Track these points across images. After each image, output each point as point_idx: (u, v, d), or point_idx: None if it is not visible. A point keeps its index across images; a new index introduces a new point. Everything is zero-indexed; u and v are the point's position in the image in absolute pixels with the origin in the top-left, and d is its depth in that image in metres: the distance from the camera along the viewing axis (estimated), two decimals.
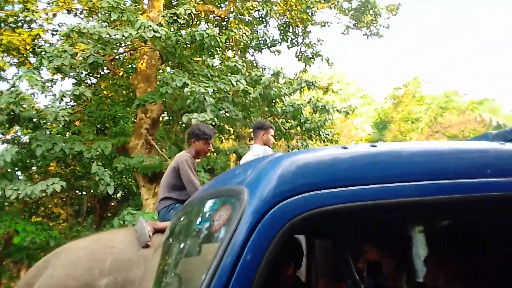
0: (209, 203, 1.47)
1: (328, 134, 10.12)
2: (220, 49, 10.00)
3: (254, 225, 1.09)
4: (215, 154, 9.95)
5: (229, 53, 11.79)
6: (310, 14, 11.59)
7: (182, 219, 1.77)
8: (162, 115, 10.26)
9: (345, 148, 1.31)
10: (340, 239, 2.53)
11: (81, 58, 7.62)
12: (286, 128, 9.99)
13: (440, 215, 1.60)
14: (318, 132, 9.92)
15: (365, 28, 11.50)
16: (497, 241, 1.64)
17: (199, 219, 1.55)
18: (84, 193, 12.12)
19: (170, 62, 9.45)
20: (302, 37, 11.97)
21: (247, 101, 9.05)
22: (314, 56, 12.00)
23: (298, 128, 10.13)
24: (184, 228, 1.67)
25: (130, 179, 11.24)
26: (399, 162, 1.29)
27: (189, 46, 8.48)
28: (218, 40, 7.64)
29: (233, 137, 11.16)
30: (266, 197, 1.15)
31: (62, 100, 7.57)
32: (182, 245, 1.60)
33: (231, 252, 1.08)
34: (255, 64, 12.20)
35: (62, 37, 8.22)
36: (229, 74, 8.41)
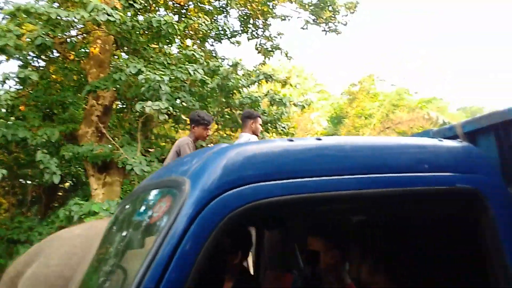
0: (151, 194, 1.43)
1: (284, 127, 10.21)
2: (179, 37, 9.77)
3: (194, 215, 1.07)
4: (170, 144, 9.77)
5: (188, 42, 11.56)
6: (270, 7, 11.59)
7: (125, 208, 1.72)
8: (116, 102, 9.90)
9: (291, 140, 1.31)
10: (287, 230, 2.56)
11: (28, 40, 7.16)
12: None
13: (379, 208, 1.65)
14: (274, 125, 9.99)
15: (324, 24, 11.68)
16: (434, 232, 1.73)
17: (139, 210, 1.51)
18: (29, 182, 11.50)
19: (125, 48, 9.12)
20: (262, 30, 11.96)
21: (204, 91, 8.94)
22: (274, 49, 12.04)
23: None
24: (125, 218, 1.62)
25: (79, 168, 10.79)
26: (342, 155, 1.31)
27: (145, 32, 8.22)
28: (176, 27, 7.45)
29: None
30: (208, 188, 1.13)
31: (5, 83, 7.09)
32: (121, 235, 1.56)
33: (169, 243, 1.06)
34: (214, 55, 12.06)
35: (7, 16, 7.68)
36: (187, 63, 8.25)
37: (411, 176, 1.39)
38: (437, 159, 1.46)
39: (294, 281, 2.55)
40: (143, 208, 1.46)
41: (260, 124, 5.01)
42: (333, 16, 11.39)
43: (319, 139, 1.35)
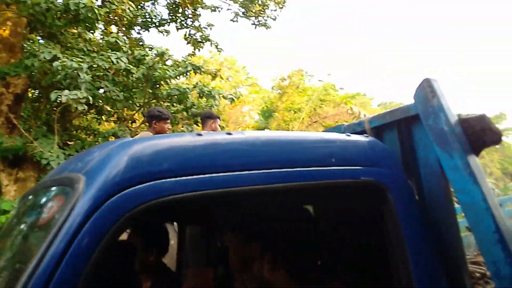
0: (45, 192, 1.31)
1: None
2: (102, 23, 9.20)
3: (86, 216, 1.00)
4: (92, 136, 9.23)
5: (114, 29, 10.96)
6: None
7: (23, 206, 1.57)
8: (30, 91, 9.10)
9: (199, 135, 1.27)
10: (205, 225, 2.53)
11: None
12: (172, 112, 9.72)
13: (289, 202, 1.68)
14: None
15: (254, 17, 11.74)
16: (342, 224, 1.80)
17: (32, 209, 1.37)
18: None
19: (40, 32, 8.38)
20: (191, 20, 11.70)
21: (129, 82, 8.54)
22: (204, 40, 11.85)
23: (184, 113, 9.95)
24: (20, 217, 1.48)
25: None
26: (250, 150, 1.30)
27: (63, 15, 7.62)
28: (97, 12, 6.99)
29: (113, 118, 10.46)
30: (104, 186, 1.05)
31: None
32: (15, 235, 1.41)
33: (58, 245, 0.97)
34: (141, 43, 11.57)
35: None
36: (109, 50, 7.80)
37: (319, 170, 1.43)
38: (344, 153, 1.51)
39: (215, 276, 2.53)
40: (35, 207, 1.33)
41: (219, 125, 5.26)
42: (263, 10, 11.48)
43: (229, 134, 1.32)
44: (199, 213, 2.23)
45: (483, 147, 1.56)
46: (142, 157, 1.13)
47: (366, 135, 1.73)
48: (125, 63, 7.39)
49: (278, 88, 26.77)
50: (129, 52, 8.13)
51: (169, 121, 4.72)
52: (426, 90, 1.61)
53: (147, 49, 10.08)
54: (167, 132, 4.97)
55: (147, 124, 9.97)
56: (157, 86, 8.72)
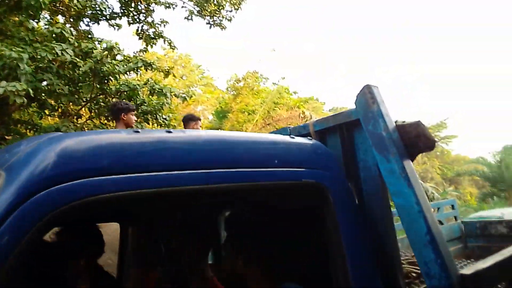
0: None
1: (166, 119, 9.92)
2: (48, 12, 8.70)
3: (3, 216, 0.91)
4: (32, 131, 8.70)
5: (61, 19, 10.40)
6: None
7: None
8: None
9: (136, 132, 1.22)
10: (149, 226, 2.45)
11: None
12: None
13: (230, 202, 1.67)
14: (155, 115, 9.63)
15: (209, 17, 11.64)
16: (284, 225, 1.81)
17: None
18: None
19: None
20: (144, 15, 11.39)
21: (75, 75, 8.14)
22: (157, 37, 11.56)
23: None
24: None
25: None
26: (191, 149, 1.27)
27: (3, 1, 7.12)
28: (41, 0, 6.60)
29: (57, 113, 9.93)
30: (27, 182, 0.97)
31: None
32: None
33: None
34: (90, 36, 11.08)
35: None
36: (54, 42, 7.40)
37: (262, 171, 1.42)
38: (287, 155, 1.52)
39: (159, 278, 2.46)
40: None
41: (200, 126, 5.76)
42: (218, 10, 11.42)
43: (169, 132, 1.28)
44: (139, 213, 2.16)
45: (418, 153, 1.64)
46: (73, 153, 1.06)
47: (310, 137, 1.76)
48: (71, 55, 7.03)
49: (233, 89, 26.77)
50: (76, 44, 7.75)
51: (134, 112, 4.88)
52: (367, 96, 1.67)
53: (96, 42, 9.69)
54: (134, 124, 5.07)
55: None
56: (105, 81, 8.38)
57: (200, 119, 5.89)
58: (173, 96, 9.42)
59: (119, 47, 8.28)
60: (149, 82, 8.89)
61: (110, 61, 7.97)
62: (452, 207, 6.81)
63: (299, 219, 1.72)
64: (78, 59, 7.45)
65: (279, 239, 1.78)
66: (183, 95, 9.22)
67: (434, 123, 32.62)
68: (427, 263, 1.43)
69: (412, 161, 1.63)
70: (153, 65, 8.62)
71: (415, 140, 1.63)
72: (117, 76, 8.47)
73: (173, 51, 12.82)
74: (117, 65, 8.26)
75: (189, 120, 5.87)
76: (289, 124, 22.22)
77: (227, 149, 1.36)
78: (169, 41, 11.59)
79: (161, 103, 9.40)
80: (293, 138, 1.65)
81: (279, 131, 2.08)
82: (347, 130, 1.82)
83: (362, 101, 1.68)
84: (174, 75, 12.00)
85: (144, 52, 12.09)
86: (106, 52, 7.58)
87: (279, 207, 1.81)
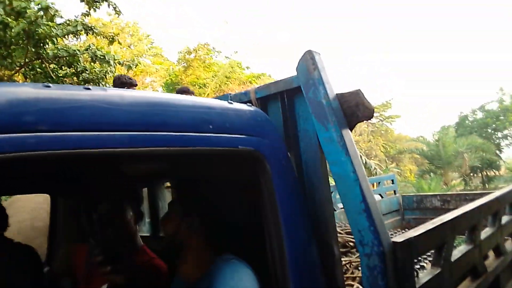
0: None
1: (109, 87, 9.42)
2: None
3: None
4: None
5: None
6: None
7: None
8: None
9: (47, 86, 1.07)
10: (76, 195, 2.29)
11: None
12: (60, 75, 8.80)
13: (157, 167, 1.57)
14: (97, 84, 9.11)
15: None
16: (220, 192, 1.74)
17: None
18: None
19: None
20: None
21: (7, 37, 7.44)
22: (100, 0, 10.81)
23: (75, 78, 9.07)
24: None
25: None
26: (112, 109, 1.14)
27: None
28: None
29: None
30: None
31: None
32: None
33: None
34: None
35: None
36: None
37: (194, 136, 1.33)
38: (223, 120, 1.43)
39: (90, 251, 2.33)
40: None
41: None
42: None
43: (88, 89, 1.14)
44: (62, 180, 1.99)
45: (357, 122, 1.61)
46: None
47: (249, 104, 1.68)
48: (1, 14, 6.40)
49: (184, 61, 26.02)
50: (7, 2, 7.05)
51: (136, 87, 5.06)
52: (308, 63, 1.60)
53: (30, 2, 8.90)
54: None
55: None
56: (41, 44, 7.75)
57: (193, 93, 5.72)
58: (118, 64, 8.94)
59: (56, 8, 7.65)
60: (90, 48, 8.34)
61: (46, 23, 7.35)
62: (392, 181, 7.17)
63: (237, 188, 1.66)
64: (9, 19, 6.80)
65: (218, 207, 1.72)
66: (128, 64, 8.77)
67: (380, 103, 33.91)
68: (361, 231, 1.43)
69: (351, 130, 1.61)
70: (94, 30, 8.07)
71: (355, 109, 1.60)
72: (54, 40, 7.85)
73: (118, 17, 12.11)
74: (54, 28, 7.64)
75: (184, 93, 5.81)
76: None
77: (155, 111, 1.24)
78: (114, 5, 10.89)
79: (104, 71, 8.90)
80: (231, 103, 1.56)
81: (220, 97, 1.98)
82: (288, 98, 1.76)
83: (303, 67, 1.62)
84: (119, 43, 11.34)
85: (87, 16, 11.32)
86: (41, 13, 6.98)
87: (217, 175, 1.74)
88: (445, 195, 6.31)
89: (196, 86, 22.93)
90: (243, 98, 1.89)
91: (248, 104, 1.68)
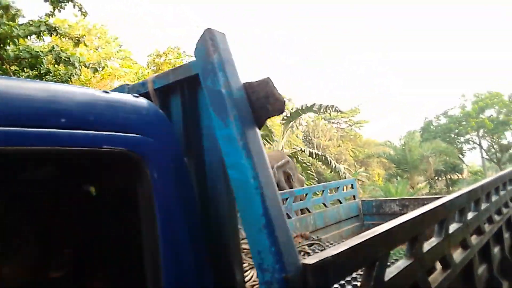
0: None
1: None
2: None
3: None
4: None
5: None
6: None
7: None
8: None
9: None
10: None
11: None
12: (21, 77, 8.25)
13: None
14: None
15: None
16: (84, 205, 1.41)
17: None
18: None
19: None
20: None
21: None
22: (65, 1, 10.24)
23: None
24: None
25: None
26: None
27: None
28: None
29: None
30: None
31: None
32: None
33: None
34: None
35: None
36: None
37: (45, 132, 1.01)
38: (84, 112, 1.12)
39: None
40: None
41: None
42: None
43: None
44: None
45: (268, 116, 1.33)
46: None
47: (135, 94, 1.36)
48: None
49: (153, 65, 25.33)
50: None
51: None
52: (207, 44, 1.30)
53: None
54: None
55: None
56: (1, 45, 7.26)
57: None
58: (83, 66, 8.50)
59: (17, 8, 7.21)
60: (54, 50, 7.86)
61: (6, 23, 6.88)
62: (352, 186, 7.00)
63: (108, 201, 1.33)
64: None
65: (81, 228, 1.38)
66: (94, 66, 8.33)
67: (348, 109, 34.26)
68: (260, 253, 1.13)
69: (261, 126, 1.32)
70: (59, 31, 7.61)
71: (264, 101, 1.31)
72: (15, 40, 7.37)
73: (84, 19, 11.45)
74: (16, 28, 7.17)
75: None
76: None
77: None
78: (80, 6, 10.33)
79: (69, 74, 8.42)
80: (107, 93, 1.24)
81: (116, 89, 1.66)
82: (189, 89, 1.46)
83: (201, 49, 1.31)
84: (86, 45, 10.80)
85: (51, 17, 10.73)
86: (0, 12, 6.51)
87: (74, 181, 1.39)
88: (404, 200, 6.26)
89: None
90: (140, 89, 1.57)
91: (134, 94, 1.36)
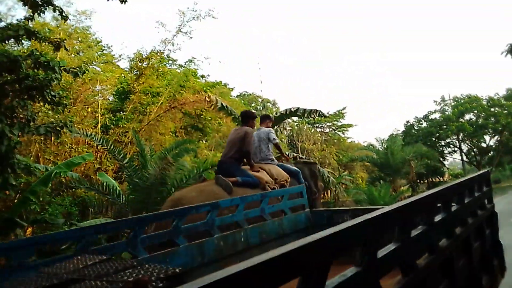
0: None
1: (54, 96, 8.89)
2: None
3: None
4: None
5: None
6: None
7: None
8: None
9: None
10: None
11: None
12: (0, 82, 8.19)
13: None
14: (41, 91, 8.57)
15: None
16: None
17: None
18: None
19: None
20: None
21: None
22: (45, 4, 10.23)
23: (16, 85, 8.49)
24: None
25: None
26: None
27: None
28: None
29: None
30: None
31: None
32: None
33: None
34: None
35: None
36: None
37: None
38: None
39: None
40: None
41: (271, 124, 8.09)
42: None
43: None
44: None
45: None
46: None
47: None
48: None
49: (136, 69, 25.24)
50: None
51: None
52: None
53: None
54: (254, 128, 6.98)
55: None
56: None
57: (273, 121, 8.40)
58: (63, 71, 8.47)
59: None
60: (33, 54, 7.84)
61: None
62: (301, 194, 5.89)
63: None
64: None
65: None
66: (75, 71, 8.32)
67: (332, 113, 34.87)
68: None
69: None
70: (38, 35, 7.59)
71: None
72: None
73: (64, 23, 11.46)
74: None
75: (266, 118, 7.65)
76: (195, 108, 21.74)
77: None
78: (60, 10, 10.35)
79: (48, 78, 8.38)
80: None
81: None
82: None
83: None
84: (66, 49, 10.78)
85: (30, 21, 10.68)
86: None
87: None
88: (357, 210, 5.81)
89: (149, 95, 22.40)
90: None
91: None
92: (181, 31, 22.31)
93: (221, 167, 6.20)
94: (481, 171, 4.11)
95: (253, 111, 7.06)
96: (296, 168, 7.09)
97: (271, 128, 7.36)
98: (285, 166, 6.96)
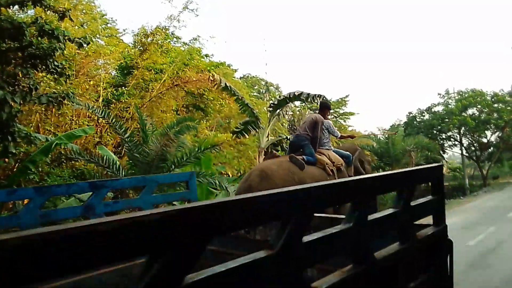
0: None
1: (58, 66, 8.78)
2: None
3: None
4: None
5: None
6: None
7: None
8: None
9: None
10: None
11: None
12: (3, 49, 8.08)
13: None
14: (45, 61, 8.47)
15: None
16: None
17: None
18: None
19: None
20: None
21: None
22: None
23: (19, 53, 8.38)
24: None
25: None
26: None
27: None
28: None
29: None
30: None
31: None
32: None
33: None
34: None
35: None
36: None
37: None
38: None
39: None
40: None
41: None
42: None
43: None
44: None
45: None
46: None
47: None
48: None
49: (140, 44, 24.94)
50: None
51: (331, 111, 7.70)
52: None
53: None
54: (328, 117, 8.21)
55: None
56: None
57: (330, 109, 8.81)
58: (67, 41, 8.34)
59: None
60: (38, 22, 7.71)
61: None
62: (187, 185, 3.92)
63: None
64: None
65: None
66: (80, 41, 8.19)
67: (335, 100, 34.66)
68: None
69: None
70: (43, 2, 7.43)
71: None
72: None
73: None
74: None
75: (326, 108, 8.48)
76: (198, 88, 21.56)
77: None
78: None
79: (52, 48, 8.27)
80: None
81: None
82: None
83: None
84: (71, 19, 10.61)
85: None
86: None
87: None
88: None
89: (152, 71, 22.22)
90: None
91: None
92: (187, 8, 21.97)
93: (293, 145, 7.67)
94: (433, 165, 2.34)
95: (329, 102, 7.35)
96: (348, 153, 8.28)
97: (330, 121, 8.39)
98: (338, 151, 8.16)
